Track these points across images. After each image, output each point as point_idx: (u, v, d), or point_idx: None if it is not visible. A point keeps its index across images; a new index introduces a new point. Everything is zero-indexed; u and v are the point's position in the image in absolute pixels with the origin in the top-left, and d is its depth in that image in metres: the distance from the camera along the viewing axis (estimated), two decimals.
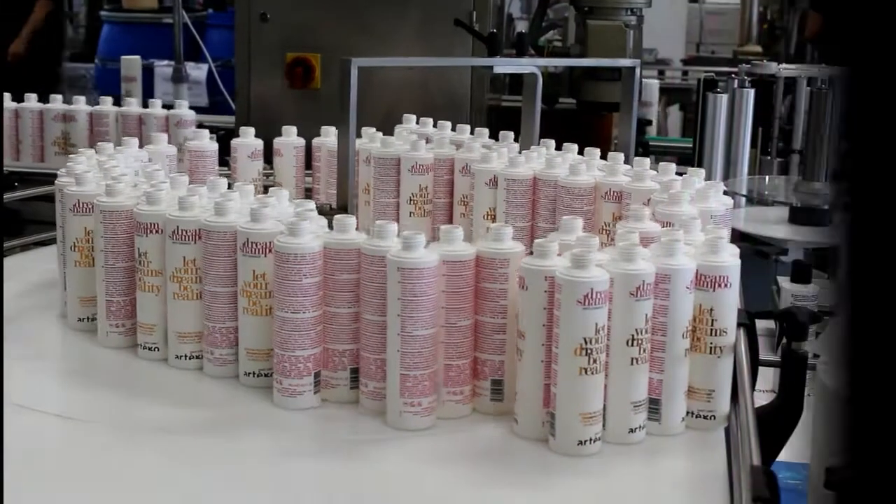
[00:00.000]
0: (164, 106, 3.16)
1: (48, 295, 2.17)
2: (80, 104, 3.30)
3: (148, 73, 4.26)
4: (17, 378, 1.67)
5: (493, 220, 2.17)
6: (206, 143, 2.53)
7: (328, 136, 2.58)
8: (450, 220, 2.33)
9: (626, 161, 2.29)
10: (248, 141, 2.58)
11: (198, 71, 5.50)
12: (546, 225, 2.12)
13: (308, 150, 2.65)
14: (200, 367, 1.85)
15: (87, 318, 2.01)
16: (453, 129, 2.60)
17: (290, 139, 2.62)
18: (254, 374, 1.79)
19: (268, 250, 1.73)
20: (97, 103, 3.32)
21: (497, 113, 3.71)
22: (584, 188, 2.08)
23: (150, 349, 1.90)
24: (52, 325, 2.08)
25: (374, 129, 2.52)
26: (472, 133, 2.57)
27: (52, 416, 1.71)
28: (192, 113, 3.16)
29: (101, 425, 1.68)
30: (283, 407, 1.71)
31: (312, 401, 1.71)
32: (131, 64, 4.52)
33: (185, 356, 1.86)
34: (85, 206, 1.97)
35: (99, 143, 2.39)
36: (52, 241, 2.25)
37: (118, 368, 1.89)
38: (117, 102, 3.30)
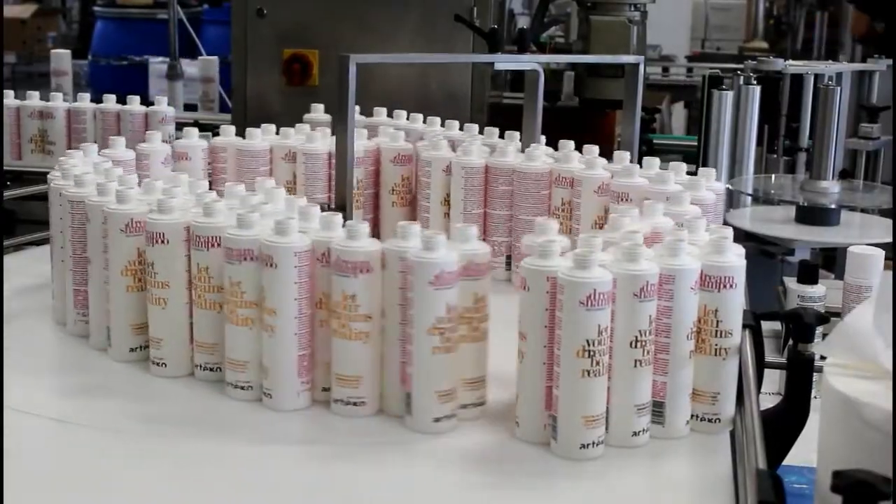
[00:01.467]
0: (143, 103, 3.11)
1: (40, 297, 2.15)
2: (58, 101, 3.23)
3: (142, 70, 4.23)
4: (11, 381, 1.64)
5: (449, 206, 2.31)
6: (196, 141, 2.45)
7: (228, 136, 2.47)
8: (376, 211, 2.43)
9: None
10: (157, 147, 2.40)
11: (193, 68, 5.48)
12: (500, 212, 2.28)
13: None
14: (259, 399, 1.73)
15: (140, 348, 1.86)
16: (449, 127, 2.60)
17: (193, 141, 2.43)
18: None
19: (360, 270, 1.63)
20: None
21: (498, 110, 3.68)
22: (539, 174, 2.22)
23: (242, 388, 1.73)
24: (45, 327, 2.06)
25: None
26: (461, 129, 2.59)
27: (47, 420, 1.69)
28: (172, 109, 3.12)
29: (98, 429, 1.66)
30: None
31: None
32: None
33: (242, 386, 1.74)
34: (138, 225, 1.81)
35: (112, 138, 2.35)
36: (44, 242, 2.23)
37: (114, 371, 1.86)
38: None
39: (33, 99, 3.24)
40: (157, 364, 1.82)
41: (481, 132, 2.56)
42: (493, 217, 2.29)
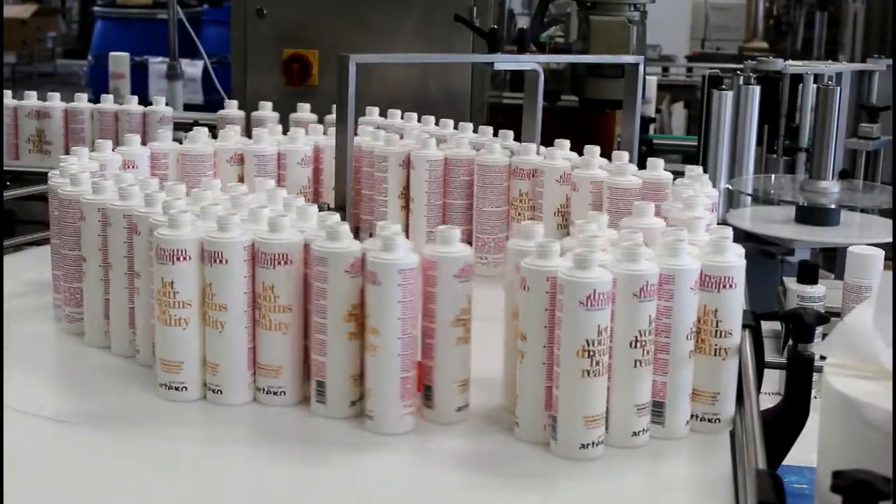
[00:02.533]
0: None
1: (40, 297, 2.14)
2: (55, 101, 3.20)
3: (142, 70, 4.22)
4: (11, 381, 1.64)
5: (407, 199, 2.36)
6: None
7: (164, 141, 2.36)
8: None
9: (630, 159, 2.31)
10: (107, 156, 2.22)
11: (193, 68, 5.48)
12: (460, 201, 2.35)
13: None
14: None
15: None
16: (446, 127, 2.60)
17: (134, 149, 2.28)
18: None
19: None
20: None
21: (498, 110, 3.68)
22: (499, 167, 2.30)
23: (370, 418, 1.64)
24: (45, 327, 2.05)
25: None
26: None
27: (47, 420, 1.69)
28: (170, 109, 3.10)
29: (98, 429, 1.66)
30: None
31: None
32: None
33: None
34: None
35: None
36: (44, 242, 2.22)
37: (113, 372, 1.86)
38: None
39: (31, 99, 3.22)
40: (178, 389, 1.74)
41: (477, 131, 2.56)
42: (453, 207, 2.35)
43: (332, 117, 2.63)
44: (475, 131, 2.51)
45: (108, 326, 1.91)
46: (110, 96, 3.16)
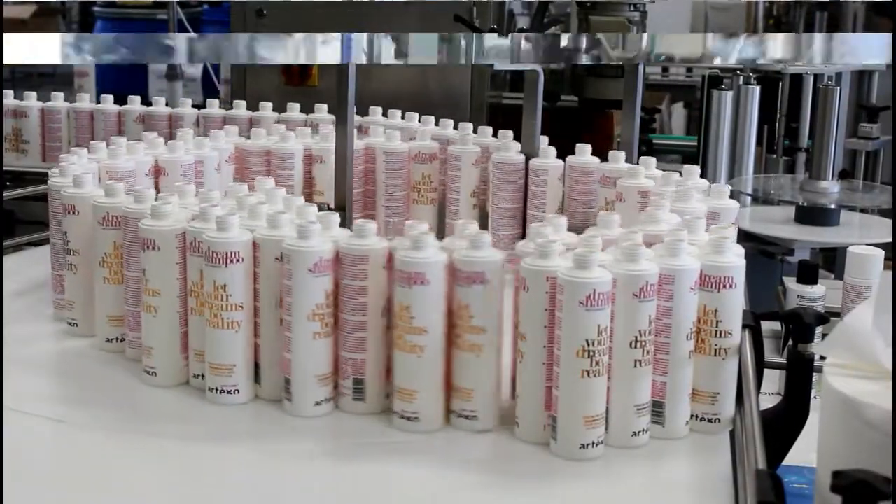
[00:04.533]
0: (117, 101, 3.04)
1: (40, 297, 2.14)
2: (31, 100, 3.14)
3: (142, 70, 4.20)
4: (11, 382, 1.63)
5: (311, 194, 2.45)
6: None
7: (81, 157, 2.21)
8: None
9: (629, 159, 2.31)
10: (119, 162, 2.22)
11: (193, 68, 5.46)
12: (357, 189, 2.44)
13: None
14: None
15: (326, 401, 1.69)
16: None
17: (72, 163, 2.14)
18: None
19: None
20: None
21: (497, 110, 3.69)
22: (400, 153, 2.44)
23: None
24: (45, 327, 2.05)
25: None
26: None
27: (47, 420, 1.69)
28: (144, 109, 3.07)
29: (98, 430, 1.66)
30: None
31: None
32: None
33: None
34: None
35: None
36: (43, 242, 2.22)
37: (113, 372, 1.86)
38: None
39: (7, 98, 3.14)
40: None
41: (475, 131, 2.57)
42: (355, 195, 2.42)
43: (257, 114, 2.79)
44: (454, 127, 2.58)
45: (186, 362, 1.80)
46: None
